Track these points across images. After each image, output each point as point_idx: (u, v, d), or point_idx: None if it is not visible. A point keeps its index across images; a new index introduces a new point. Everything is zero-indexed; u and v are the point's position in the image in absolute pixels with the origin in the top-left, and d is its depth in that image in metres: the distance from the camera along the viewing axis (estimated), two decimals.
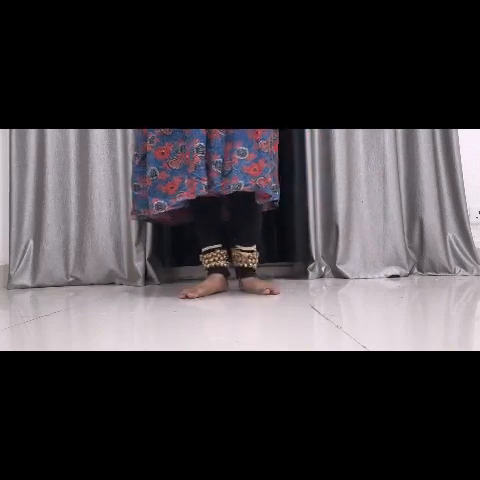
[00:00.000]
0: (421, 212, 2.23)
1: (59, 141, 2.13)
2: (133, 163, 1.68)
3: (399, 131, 2.24)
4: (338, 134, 2.18)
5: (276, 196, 1.63)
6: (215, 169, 1.47)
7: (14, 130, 2.10)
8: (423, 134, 2.23)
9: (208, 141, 1.48)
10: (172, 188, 1.49)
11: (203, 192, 1.45)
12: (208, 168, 1.47)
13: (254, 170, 1.48)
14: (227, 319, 1.24)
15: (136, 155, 1.65)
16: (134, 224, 2.09)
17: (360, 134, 2.18)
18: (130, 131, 2.10)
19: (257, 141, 1.50)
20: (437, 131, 2.23)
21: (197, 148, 1.45)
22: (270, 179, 1.53)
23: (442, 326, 1.08)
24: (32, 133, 2.11)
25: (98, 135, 2.13)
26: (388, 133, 2.18)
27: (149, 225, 2.10)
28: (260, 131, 1.51)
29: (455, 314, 1.26)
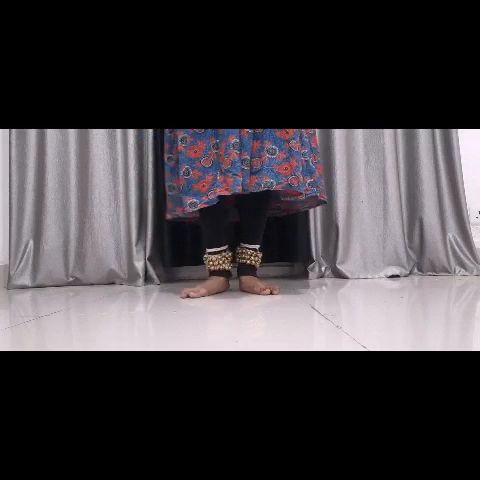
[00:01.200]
0: (421, 212, 2.23)
1: (59, 141, 2.13)
2: (166, 165, 1.69)
3: (399, 131, 2.24)
4: (338, 134, 2.18)
5: (314, 192, 1.64)
6: (244, 167, 1.48)
7: (14, 130, 2.10)
8: (423, 134, 2.23)
9: (240, 139, 1.49)
10: (204, 186, 1.50)
11: (239, 188, 1.46)
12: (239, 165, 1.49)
13: (285, 169, 1.49)
14: (227, 319, 1.24)
15: (169, 158, 1.67)
16: (134, 224, 2.09)
17: (360, 134, 2.18)
18: (130, 131, 2.11)
19: (287, 141, 1.51)
20: (437, 131, 2.23)
21: (233, 144, 1.46)
22: (301, 177, 1.54)
23: (442, 326, 1.08)
24: (32, 133, 2.11)
25: (98, 135, 2.13)
26: (388, 133, 2.18)
27: (149, 225, 2.11)
28: (291, 131, 1.52)
29: (455, 314, 1.26)
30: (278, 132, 1.51)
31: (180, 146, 1.55)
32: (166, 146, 1.69)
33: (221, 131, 1.48)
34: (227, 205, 1.75)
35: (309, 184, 1.61)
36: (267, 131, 1.50)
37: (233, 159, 1.46)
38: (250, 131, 1.50)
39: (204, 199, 1.49)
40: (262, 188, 1.48)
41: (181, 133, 1.55)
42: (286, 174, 1.49)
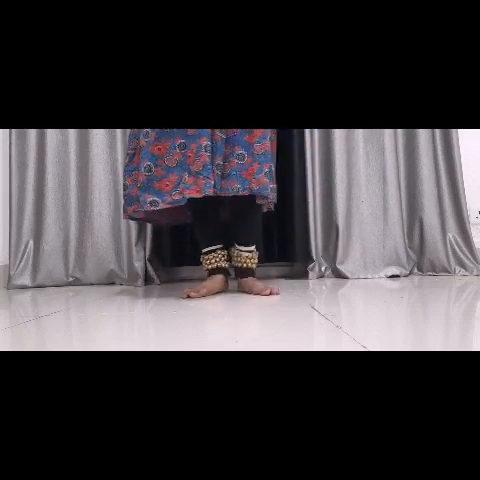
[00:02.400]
0: (421, 212, 2.23)
1: (59, 141, 2.13)
2: (124, 163, 1.65)
3: (399, 131, 2.24)
4: (338, 134, 2.18)
5: (274, 197, 1.61)
6: (217, 171, 1.48)
7: (14, 130, 2.10)
8: (423, 134, 2.23)
9: (212, 142, 1.48)
10: (167, 185, 1.46)
11: (210, 191, 1.45)
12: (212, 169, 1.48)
13: (250, 174, 1.49)
14: (227, 319, 1.24)
15: (127, 154, 1.63)
16: (134, 224, 2.09)
17: (360, 134, 2.18)
18: (130, 131, 2.10)
19: (252, 144, 1.50)
20: (437, 131, 2.23)
21: (205, 147, 1.45)
22: (265, 180, 1.51)
23: (442, 326, 1.08)
24: (32, 133, 2.11)
25: (98, 135, 2.13)
26: (388, 133, 2.18)
27: (149, 225, 2.10)
28: (258, 133, 1.50)
29: (455, 314, 1.26)
30: (247, 136, 1.49)
31: (142, 140, 1.50)
32: (129, 144, 1.63)
33: (191, 132, 1.45)
34: (215, 205, 1.72)
35: (266, 188, 1.54)
36: (237, 136, 1.49)
37: (204, 162, 1.45)
38: (223, 135, 1.49)
39: (168, 199, 1.46)
40: (230, 193, 1.48)
41: (145, 128, 1.49)
42: (251, 179, 1.48)
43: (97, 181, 2.14)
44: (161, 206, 1.46)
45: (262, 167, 1.50)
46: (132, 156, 1.59)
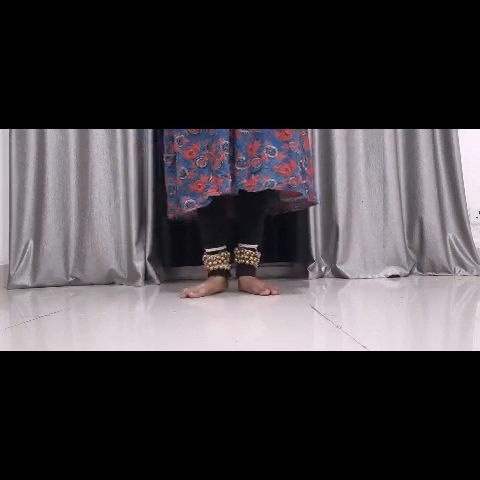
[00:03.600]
0: (421, 212, 2.23)
1: (59, 141, 2.13)
2: (165, 165, 1.71)
3: (399, 131, 2.24)
4: (338, 134, 2.18)
5: (310, 193, 1.66)
6: (238, 167, 1.50)
7: (14, 130, 2.10)
8: (423, 134, 2.23)
9: (232, 140, 1.51)
10: (200, 186, 1.53)
11: (227, 190, 1.48)
12: (232, 167, 1.50)
13: (285, 169, 1.50)
14: (227, 319, 1.24)
15: (167, 157, 1.68)
16: (134, 224, 2.09)
17: (360, 134, 2.18)
18: (130, 131, 2.10)
19: (287, 142, 1.52)
20: (437, 131, 2.23)
21: (223, 146, 1.48)
22: (300, 178, 1.55)
23: (442, 326, 1.08)
24: (32, 133, 2.11)
25: (98, 135, 2.13)
26: (388, 133, 2.18)
27: (149, 225, 2.11)
28: (289, 132, 1.53)
29: (455, 314, 1.26)
30: (277, 133, 1.52)
31: (177, 147, 1.58)
32: (165, 146, 1.71)
33: (212, 132, 1.50)
34: (226, 205, 1.76)
35: (303, 186, 1.61)
36: (265, 131, 1.51)
37: (222, 160, 1.48)
38: (245, 132, 1.51)
39: (200, 199, 1.53)
40: (263, 187, 1.49)
41: (177, 134, 1.58)
42: (286, 174, 1.50)
43: (97, 181, 2.13)
44: (195, 207, 1.55)
45: (298, 166, 1.54)
46: (174, 158, 1.64)
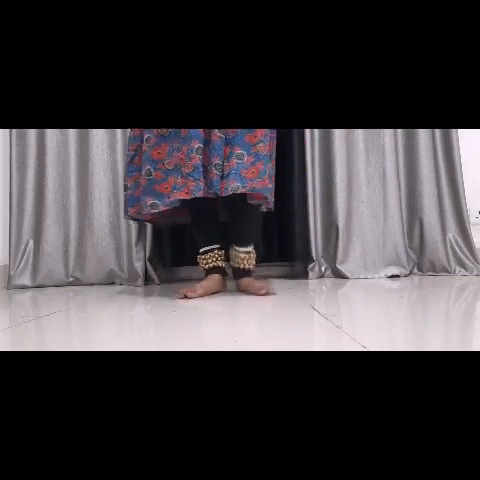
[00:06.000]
0: (421, 212, 2.23)
1: (59, 141, 2.13)
2: (125, 163, 1.69)
3: (399, 131, 2.24)
4: (338, 134, 2.18)
5: (272, 197, 1.64)
6: (214, 171, 1.48)
7: (14, 130, 2.10)
8: (423, 134, 2.23)
9: (207, 143, 1.49)
10: (166, 188, 1.50)
11: (200, 193, 1.47)
12: (206, 170, 1.48)
13: (252, 173, 1.49)
14: (227, 319, 1.24)
15: (127, 155, 1.66)
16: (134, 224, 2.09)
17: (360, 134, 2.18)
18: (130, 132, 2.10)
19: (255, 144, 1.51)
20: (437, 131, 2.23)
21: (196, 149, 1.46)
22: (267, 181, 1.53)
23: (442, 326, 1.08)
24: (32, 133, 2.11)
25: (98, 135, 2.13)
26: (388, 133, 2.18)
27: (149, 225, 2.10)
28: (259, 134, 1.51)
29: (455, 314, 1.26)
30: (247, 136, 1.50)
31: (144, 145, 1.55)
32: (129, 145, 1.67)
33: (184, 134, 1.48)
34: (213, 205, 1.73)
35: (269, 189, 1.59)
36: (237, 136, 1.50)
37: (195, 164, 1.46)
38: (222, 136, 1.49)
39: (166, 201, 1.50)
40: (229, 192, 1.48)
41: (146, 133, 1.55)
42: (252, 178, 1.49)
43: (97, 181, 2.14)
44: (160, 208, 1.51)
45: (265, 168, 1.52)
46: (133, 157, 1.62)
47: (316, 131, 2.19)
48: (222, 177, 1.49)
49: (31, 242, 2.10)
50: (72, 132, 2.14)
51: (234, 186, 1.48)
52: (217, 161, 1.48)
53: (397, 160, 2.20)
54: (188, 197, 1.47)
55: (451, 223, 2.21)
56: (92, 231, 2.13)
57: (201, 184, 1.46)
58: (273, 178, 1.65)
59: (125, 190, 1.65)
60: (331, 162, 2.18)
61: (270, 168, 1.58)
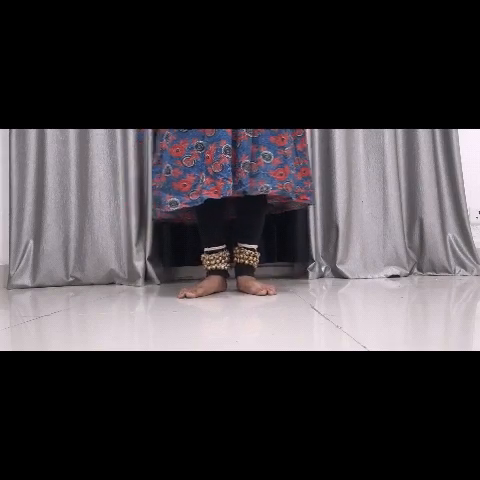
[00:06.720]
0: (421, 212, 2.23)
1: (59, 141, 2.13)
2: (152, 164, 1.72)
3: (399, 131, 2.24)
4: (338, 134, 2.18)
5: (308, 195, 1.71)
6: (244, 170, 1.50)
7: (14, 130, 2.10)
8: (423, 134, 2.23)
9: (234, 142, 1.51)
10: (185, 186, 1.51)
11: (230, 192, 1.48)
12: (234, 169, 1.51)
13: (280, 175, 1.53)
14: (227, 319, 1.24)
15: (155, 156, 1.69)
16: (134, 224, 2.09)
17: (360, 134, 2.18)
18: (130, 131, 2.11)
19: (282, 147, 1.55)
20: (437, 131, 2.23)
21: (225, 149, 1.48)
22: (293, 184, 1.58)
23: (442, 326, 1.08)
24: (32, 133, 2.11)
25: (98, 135, 2.13)
26: (388, 133, 2.18)
27: (149, 225, 2.11)
28: (285, 138, 1.56)
29: (455, 314, 1.26)
30: (273, 138, 1.54)
31: (164, 144, 1.57)
32: (157, 145, 1.70)
33: (210, 133, 1.49)
34: (227, 206, 1.75)
35: (295, 191, 1.63)
36: (262, 137, 1.53)
37: (224, 163, 1.48)
38: (249, 135, 1.52)
39: (186, 199, 1.51)
40: (258, 192, 1.51)
41: (165, 130, 1.57)
42: (281, 180, 1.53)
43: (97, 181, 2.13)
44: (180, 206, 1.52)
45: (291, 171, 1.57)
46: (160, 158, 1.63)
47: (316, 131, 2.19)
48: (250, 175, 1.51)
49: (31, 242, 2.10)
50: (72, 132, 2.14)
51: (264, 186, 1.51)
52: (246, 160, 1.50)
53: (397, 160, 2.20)
54: (218, 197, 1.48)
55: (451, 223, 2.21)
56: (92, 231, 2.13)
57: (229, 183, 1.48)
58: (310, 176, 1.74)
59: (153, 190, 1.69)
60: (331, 162, 2.18)
61: (302, 165, 1.68)
